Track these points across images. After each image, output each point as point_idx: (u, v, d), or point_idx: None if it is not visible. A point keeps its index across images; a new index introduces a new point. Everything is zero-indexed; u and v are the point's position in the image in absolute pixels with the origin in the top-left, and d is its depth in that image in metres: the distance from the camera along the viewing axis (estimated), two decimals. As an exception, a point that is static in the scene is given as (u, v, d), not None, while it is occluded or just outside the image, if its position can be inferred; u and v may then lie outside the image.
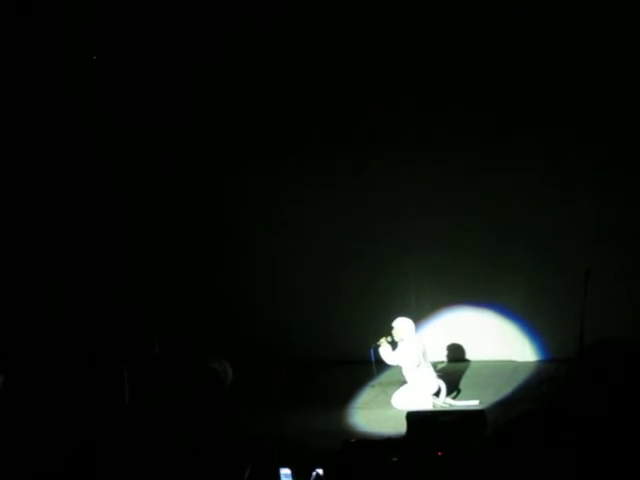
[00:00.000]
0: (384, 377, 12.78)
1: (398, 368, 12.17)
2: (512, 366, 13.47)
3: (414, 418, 9.92)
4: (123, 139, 12.94)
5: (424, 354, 12.12)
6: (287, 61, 13.61)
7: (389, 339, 12.06)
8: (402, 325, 12.11)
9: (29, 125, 11.95)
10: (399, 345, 12.07)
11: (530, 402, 11.37)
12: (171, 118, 13.89)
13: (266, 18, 13.66)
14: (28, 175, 12.02)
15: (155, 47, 13.54)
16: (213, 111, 13.99)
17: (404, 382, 12.11)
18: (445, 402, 11.90)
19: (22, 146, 12.03)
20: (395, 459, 8.41)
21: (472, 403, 11.82)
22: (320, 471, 7.68)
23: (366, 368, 12.39)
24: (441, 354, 13.69)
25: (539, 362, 13.55)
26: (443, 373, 12.53)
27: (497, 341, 13.78)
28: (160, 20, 13.51)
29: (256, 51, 13.70)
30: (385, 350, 12.02)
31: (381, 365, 12.34)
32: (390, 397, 12.08)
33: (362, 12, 13.44)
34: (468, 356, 13.83)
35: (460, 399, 12.12)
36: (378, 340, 12.08)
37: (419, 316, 13.44)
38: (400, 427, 10.12)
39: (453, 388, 12.40)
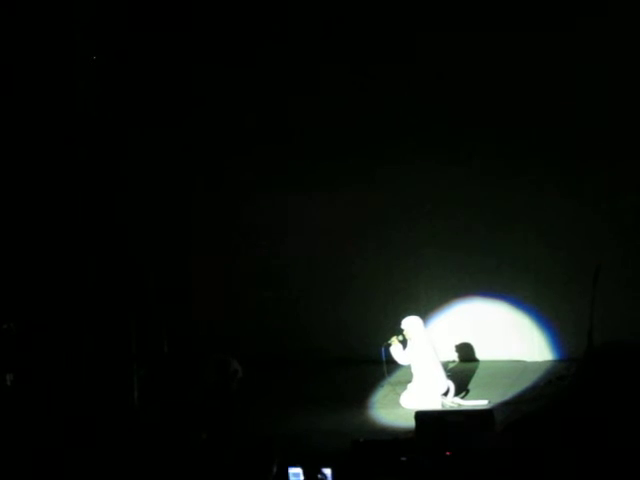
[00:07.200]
0: (394, 376, 12.78)
1: (408, 368, 12.18)
2: (521, 366, 13.46)
3: (423, 418, 9.91)
4: (130, 140, 12.97)
5: (434, 353, 12.11)
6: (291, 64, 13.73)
7: (400, 338, 12.08)
8: (411, 324, 12.12)
9: (33, 128, 11.97)
10: (408, 344, 12.08)
11: (538, 402, 11.37)
12: (181, 119, 13.96)
13: (266, 24, 13.76)
14: (37, 176, 12.04)
15: (161, 50, 13.64)
16: (220, 113, 14.04)
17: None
18: (454, 402, 11.90)
19: (27, 148, 12.05)
20: (403, 459, 8.42)
21: (481, 403, 11.82)
22: (327, 471, 7.69)
23: (376, 367, 12.40)
24: (450, 354, 13.68)
25: (548, 362, 13.53)
26: (452, 373, 12.55)
27: (506, 341, 13.78)
28: (169, 25, 13.62)
29: (254, 57, 13.82)
30: (396, 349, 12.04)
31: (392, 365, 12.35)
32: (400, 396, 12.08)
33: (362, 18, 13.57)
34: (477, 356, 13.83)
35: (469, 399, 12.11)
36: (389, 339, 12.11)
37: (429, 315, 13.45)
38: (409, 427, 10.12)
39: (462, 388, 12.39)
